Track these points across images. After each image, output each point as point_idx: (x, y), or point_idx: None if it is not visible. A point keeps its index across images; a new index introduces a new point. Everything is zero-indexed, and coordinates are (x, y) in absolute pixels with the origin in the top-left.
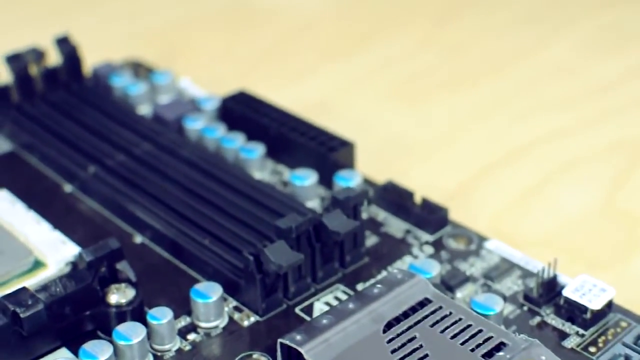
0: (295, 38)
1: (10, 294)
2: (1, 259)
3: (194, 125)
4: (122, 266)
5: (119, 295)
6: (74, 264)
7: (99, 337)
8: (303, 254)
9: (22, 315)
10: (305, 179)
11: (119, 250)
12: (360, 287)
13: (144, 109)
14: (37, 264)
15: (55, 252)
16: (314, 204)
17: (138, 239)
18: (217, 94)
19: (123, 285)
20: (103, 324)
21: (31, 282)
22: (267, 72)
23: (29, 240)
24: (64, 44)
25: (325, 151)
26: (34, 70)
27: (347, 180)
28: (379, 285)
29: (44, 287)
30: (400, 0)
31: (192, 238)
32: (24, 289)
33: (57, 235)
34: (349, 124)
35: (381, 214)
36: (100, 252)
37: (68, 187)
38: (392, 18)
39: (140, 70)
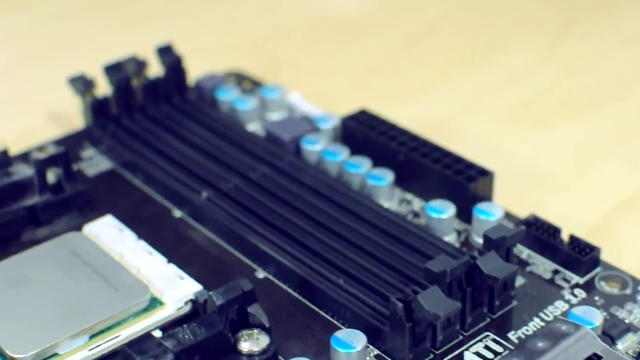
0: (405, 52)
1: (134, 342)
2: (115, 296)
3: (313, 147)
4: (255, 310)
5: (251, 343)
6: (194, 303)
7: None
8: (458, 302)
9: None
10: (442, 212)
11: (252, 292)
12: (511, 335)
13: (253, 126)
14: (154, 302)
15: (173, 288)
16: (450, 238)
17: (260, 274)
18: (327, 110)
19: (255, 331)
20: None
21: (149, 322)
22: (378, 87)
23: (142, 274)
24: (167, 54)
25: (463, 181)
26: (134, 81)
27: (489, 215)
28: (542, 338)
29: (171, 335)
30: (514, 14)
31: (325, 276)
32: (149, 336)
33: (173, 269)
34: (472, 147)
35: (525, 252)
36: (231, 295)
37: (177, 212)
38: (507, 31)
39: (244, 82)
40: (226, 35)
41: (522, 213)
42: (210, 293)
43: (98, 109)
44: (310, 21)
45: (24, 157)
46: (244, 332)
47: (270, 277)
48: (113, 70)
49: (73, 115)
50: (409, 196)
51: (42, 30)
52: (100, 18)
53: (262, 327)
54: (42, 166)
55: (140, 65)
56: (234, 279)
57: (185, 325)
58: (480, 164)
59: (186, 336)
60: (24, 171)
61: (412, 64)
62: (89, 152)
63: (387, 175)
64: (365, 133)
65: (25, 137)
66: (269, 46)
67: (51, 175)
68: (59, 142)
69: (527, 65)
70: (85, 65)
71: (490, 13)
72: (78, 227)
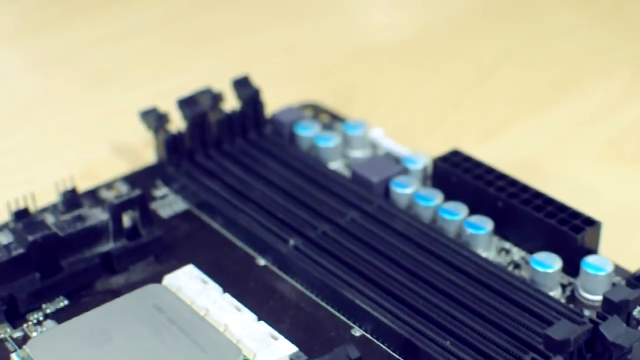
0: (481, 83)
1: None
2: (204, 358)
3: (404, 190)
4: None
5: None
6: None
7: None
8: None
9: None
10: (549, 266)
11: None
12: None
13: (335, 165)
14: None
15: (265, 349)
16: (555, 293)
17: (357, 332)
18: (408, 146)
19: None
20: None
21: None
22: (456, 121)
23: (231, 333)
24: (244, 86)
25: (569, 231)
26: (209, 115)
27: (598, 269)
28: None
29: None
30: (590, 44)
31: (429, 337)
32: None
33: (265, 328)
34: (563, 189)
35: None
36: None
37: (261, 260)
38: (585, 63)
39: (321, 116)
40: (293, 63)
41: (629, 265)
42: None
43: (172, 145)
44: (379, 48)
45: (92, 195)
46: None
47: (368, 335)
48: (187, 104)
49: (140, 147)
50: (507, 245)
51: (95, 53)
52: (156, 41)
53: None
54: (117, 211)
55: (215, 98)
56: (329, 337)
57: None
58: (583, 211)
59: None
60: (97, 215)
61: (490, 96)
62: (161, 190)
63: (486, 224)
64: (460, 176)
65: (91, 172)
66: (338, 75)
67: (126, 219)
68: (127, 178)
69: (611, 98)
70: (147, 91)
71: (563, 42)
72: (155, 276)
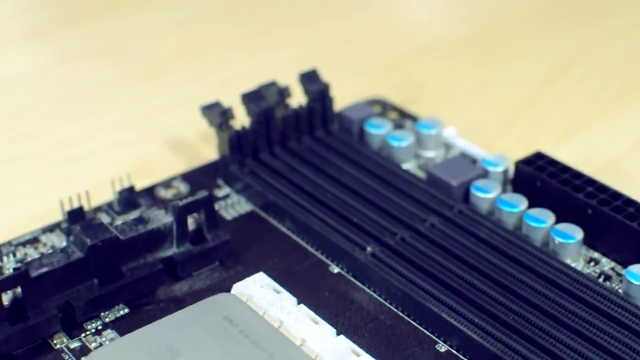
0: (555, 80)
1: None
2: None
3: (485, 194)
4: None
5: None
6: None
7: None
8: None
9: None
10: None
11: None
12: None
13: (408, 165)
14: None
15: None
16: None
17: (442, 347)
18: (482, 146)
19: None
20: None
21: None
22: (531, 120)
23: (309, 348)
24: (312, 81)
25: None
26: (274, 111)
27: None
28: None
29: None
30: None
31: (522, 355)
32: None
33: (345, 342)
34: None
35: None
36: None
37: (335, 268)
38: None
39: (389, 113)
40: (355, 56)
41: None
42: None
43: (236, 142)
44: (446, 43)
45: (149, 193)
46: None
47: (454, 351)
48: (252, 99)
49: (196, 143)
50: (596, 255)
51: (147, 44)
52: (211, 32)
53: None
54: (182, 213)
55: (281, 92)
56: (412, 352)
57: None
58: None
59: None
60: (160, 217)
61: (565, 94)
62: (223, 190)
63: (576, 233)
64: (545, 181)
65: (146, 169)
66: (403, 70)
67: (189, 221)
68: (185, 176)
69: None
70: (202, 84)
71: (630, 37)
72: (221, 283)
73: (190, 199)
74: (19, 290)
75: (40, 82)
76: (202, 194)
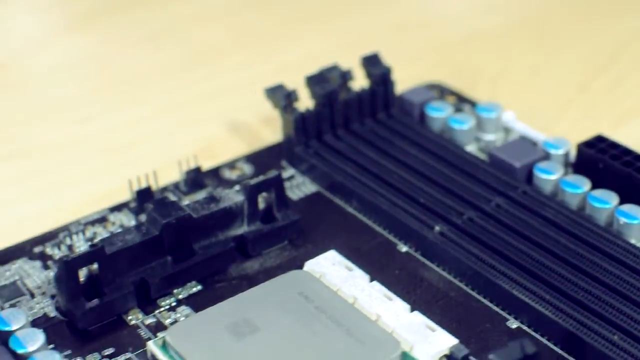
0: (608, 66)
1: None
2: (362, 350)
3: (549, 176)
4: None
5: None
6: (448, 358)
7: None
8: None
9: None
10: None
11: (535, 356)
12: None
13: (469, 148)
14: (406, 358)
15: (424, 342)
16: None
17: (513, 324)
18: (540, 130)
19: None
20: None
21: None
22: (587, 106)
23: (384, 323)
24: (374, 64)
25: None
26: (337, 94)
27: None
28: None
29: None
30: None
31: (595, 331)
32: None
33: (420, 318)
34: None
35: None
36: (512, 357)
37: (403, 247)
38: None
39: (447, 97)
40: (410, 41)
41: None
42: (491, 357)
43: (301, 124)
44: (499, 28)
45: (214, 173)
46: None
47: (525, 327)
48: (317, 81)
49: (256, 126)
50: None
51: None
52: (267, 17)
53: None
54: (254, 192)
55: (344, 76)
56: (483, 329)
57: None
58: None
59: None
60: (231, 196)
61: (620, 79)
62: (288, 171)
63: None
64: (608, 163)
65: (208, 150)
66: (457, 55)
67: (260, 202)
68: (249, 158)
69: None
70: (259, 67)
71: None
72: (291, 262)
73: (261, 178)
74: (94, 267)
75: (100, 67)
76: (272, 173)
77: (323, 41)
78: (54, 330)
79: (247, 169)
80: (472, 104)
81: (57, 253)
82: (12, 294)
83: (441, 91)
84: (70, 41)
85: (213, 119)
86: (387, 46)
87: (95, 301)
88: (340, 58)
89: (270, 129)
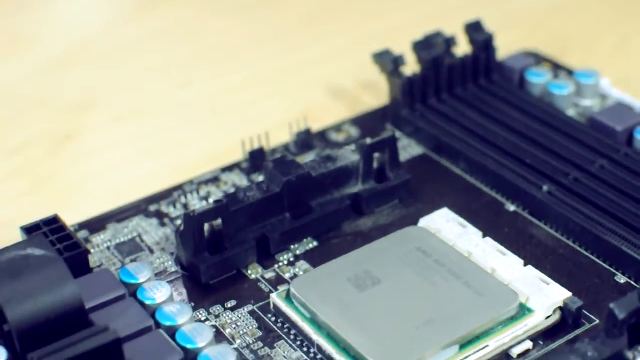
0: None
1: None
2: (481, 301)
3: None
4: None
5: None
6: (562, 310)
7: None
8: None
9: None
10: None
11: None
12: None
13: (569, 113)
14: (522, 309)
15: (539, 294)
16: None
17: (621, 278)
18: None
19: None
20: None
21: (518, 331)
22: None
23: (500, 277)
24: (477, 30)
25: None
26: (443, 59)
27: None
28: None
29: (574, 350)
30: None
31: None
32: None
33: (534, 272)
34: None
35: None
36: (630, 307)
37: (510, 206)
38: None
39: (542, 64)
40: (502, 10)
41: None
42: (611, 306)
43: (408, 88)
44: None
45: (322, 136)
46: None
47: (632, 282)
48: (423, 46)
49: (355, 91)
50: None
51: None
52: None
53: None
54: (369, 151)
55: (448, 42)
56: (592, 283)
57: (586, 341)
58: None
59: (589, 353)
60: (347, 155)
61: None
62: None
63: None
64: None
65: (311, 115)
66: (548, 23)
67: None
68: (355, 121)
69: None
70: (350, 34)
71: None
72: (403, 219)
73: (376, 139)
74: (217, 222)
75: (194, 35)
76: (387, 133)
77: (412, 11)
78: (176, 284)
79: (353, 131)
80: (567, 70)
81: (172, 211)
82: (132, 249)
83: (536, 58)
84: (173, 12)
85: (314, 85)
86: (480, 15)
87: (218, 255)
88: (432, 27)
89: (370, 94)
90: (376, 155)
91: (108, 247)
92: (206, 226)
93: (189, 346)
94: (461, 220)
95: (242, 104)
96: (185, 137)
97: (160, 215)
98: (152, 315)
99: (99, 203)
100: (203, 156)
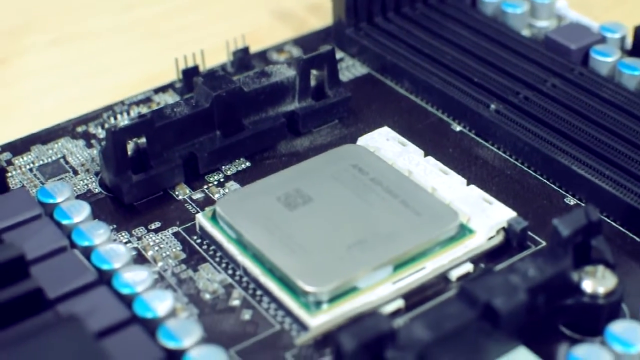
0: None
1: (476, 279)
2: (419, 221)
3: (606, 58)
4: (599, 243)
5: (594, 282)
6: (506, 231)
7: (566, 336)
8: None
9: (502, 308)
10: None
11: (598, 224)
12: None
13: (524, 33)
14: (463, 230)
15: (481, 214)
16: None
17: (570, 200)
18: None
19: (600, 267)
20: (575, 319)
21: (458, 253)
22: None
23: (440, 197)
24: None
25: None
26: None
27: None
28: None
29: (513, 270)
30: None
31: None
32: (496, 274)
33: (477, 192)
34: None
35: None
36: (576, 225)
37: (456, 126)
38: None
39: None
40: None
41: None
42: (555, 222)
43: (352, 6)
44: None
45: (262, 56)
46: (587, 268)
47: (583, 204)
48: None
49: (301, 14)
50: None
51: None
52: None
53: (606, 264)
54: (306, 66)
55: None
56: (541, 204)
57: (527, 260)
58: None
59: (530, 273)
60: (283, 71)
61: None
62: (338, 54)
63: None
64: None
65: (255, 36)
66: None
67: (312, 79)
68: (297, 41)
69: None
70: None
71: None
72: (342, 139)
73: (314, 53)
74: (142, 140)
75: None
76: (325, 48)
77: None
78: (99, 205)
79: (295, 52)
80: None
81: (100, 132)
82: (55, 171)
83: None
84: None
85: (257, 7)
86: None
87: (142, 175)
88: None
89: (316, 16)
90: (315, 72)
91: (31, 169)
92: (131, 144)
93: (104, 267)
94: (402, 139)
95: (184, 26)
96: (121, 60)
97: (87, 137)
98: (69, 237)
99: (27, 126)
100: (139, 78)
